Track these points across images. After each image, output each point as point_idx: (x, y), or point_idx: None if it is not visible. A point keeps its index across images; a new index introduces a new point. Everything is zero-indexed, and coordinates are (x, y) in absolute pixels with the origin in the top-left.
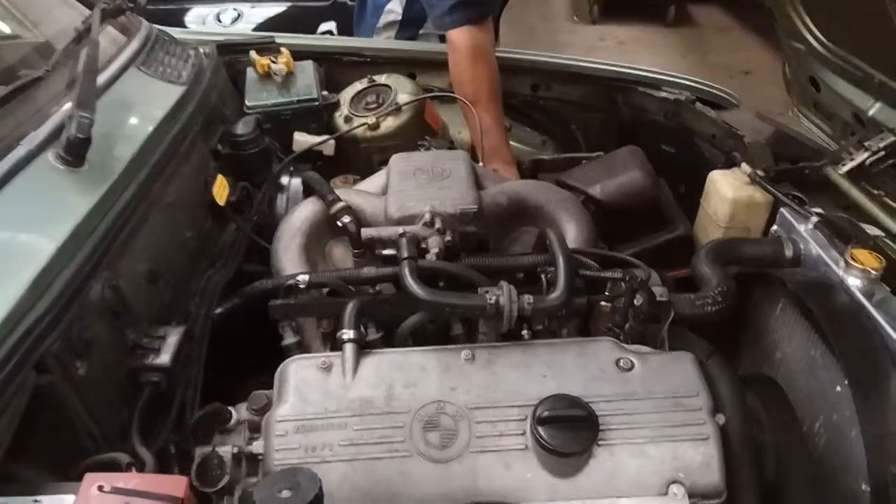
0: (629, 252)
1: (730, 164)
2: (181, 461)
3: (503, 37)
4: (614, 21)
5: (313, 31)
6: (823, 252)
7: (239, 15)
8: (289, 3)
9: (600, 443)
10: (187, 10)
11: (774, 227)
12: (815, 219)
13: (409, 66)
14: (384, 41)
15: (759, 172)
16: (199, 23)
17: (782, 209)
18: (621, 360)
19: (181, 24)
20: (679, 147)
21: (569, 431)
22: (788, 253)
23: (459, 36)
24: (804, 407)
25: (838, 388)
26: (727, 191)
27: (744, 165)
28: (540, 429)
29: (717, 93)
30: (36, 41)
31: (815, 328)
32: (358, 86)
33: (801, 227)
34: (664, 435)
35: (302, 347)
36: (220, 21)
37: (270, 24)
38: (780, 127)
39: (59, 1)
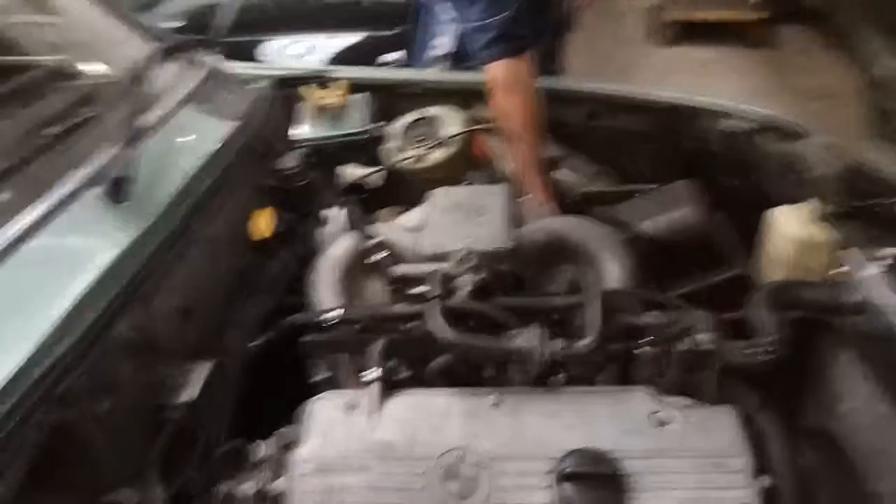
0: (681, 292)
1: (795, 199)
2: (204, 499)
3: (573, 63)
4: (691, 43)
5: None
6: (892, 299)
7: (312, 47)
8: (364, 34)
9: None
10: (260, 42)
11: (839, 270)
12: (885, 262)
13: (464, 97)
14: (439, 73)
15: (827, 209)
16: (272, 55)
17: (849, 250)
18: (657, 413)
19: (252, 57)
20: (742, 180)
21: (593, 490)
22: (853, 298)
23: (496, 70)
24: (867, 465)
25: None
26: (790, 229)
27: (810, 201)
28: (563, 486)
29: (786, 122)
30: (99, 77)
31: (881, 382)
32: (409, 118)
33: (869, 271)
34: (700, 497)
35: (333, 384)
36: (291, 54)
37: (344, 56)
38: (854, 159)
39: (128, 36)
